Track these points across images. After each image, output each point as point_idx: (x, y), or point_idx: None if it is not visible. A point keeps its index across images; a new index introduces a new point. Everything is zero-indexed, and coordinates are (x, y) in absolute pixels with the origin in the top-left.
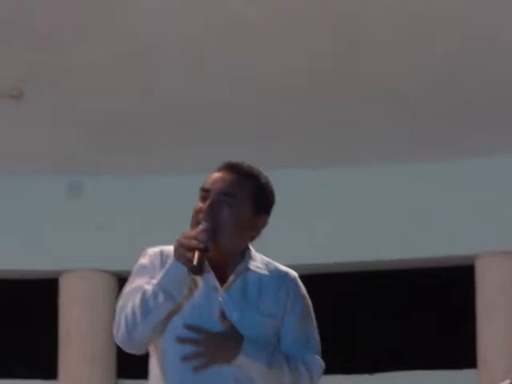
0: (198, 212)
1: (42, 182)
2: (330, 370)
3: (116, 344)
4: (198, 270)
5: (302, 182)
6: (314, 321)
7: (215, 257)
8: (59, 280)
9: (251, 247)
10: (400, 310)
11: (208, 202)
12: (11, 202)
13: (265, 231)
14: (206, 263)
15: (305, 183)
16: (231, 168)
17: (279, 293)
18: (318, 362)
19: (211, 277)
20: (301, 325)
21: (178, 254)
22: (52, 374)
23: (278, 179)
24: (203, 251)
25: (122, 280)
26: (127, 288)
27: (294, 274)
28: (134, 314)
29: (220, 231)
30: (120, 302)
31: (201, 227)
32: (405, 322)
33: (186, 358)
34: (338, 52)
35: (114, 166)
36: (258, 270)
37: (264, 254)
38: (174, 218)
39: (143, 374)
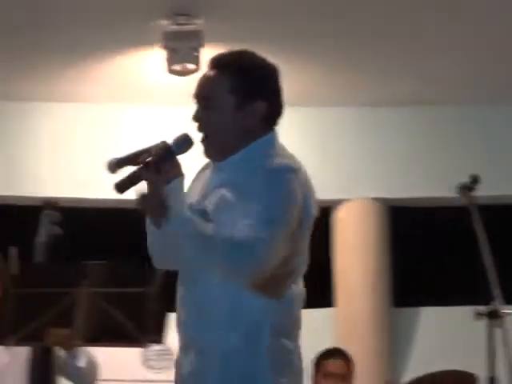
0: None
1: None
2: None
3: None
4: (121, 186)
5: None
6: (272, 211)
7: (219, 158)
8: None
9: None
10: None
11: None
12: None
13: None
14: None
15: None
16: (210, 64)
17: (243, 172)
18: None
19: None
20: (250, 202)
21: None
22: None
23: None
24: (142, 168)
25: None
26: None
27: (272, 166)
28: None
29: (209, 136)
30: None
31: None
32: None
33: None
34: None
35: None
36: (232, 166)
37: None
38: None
39: None
